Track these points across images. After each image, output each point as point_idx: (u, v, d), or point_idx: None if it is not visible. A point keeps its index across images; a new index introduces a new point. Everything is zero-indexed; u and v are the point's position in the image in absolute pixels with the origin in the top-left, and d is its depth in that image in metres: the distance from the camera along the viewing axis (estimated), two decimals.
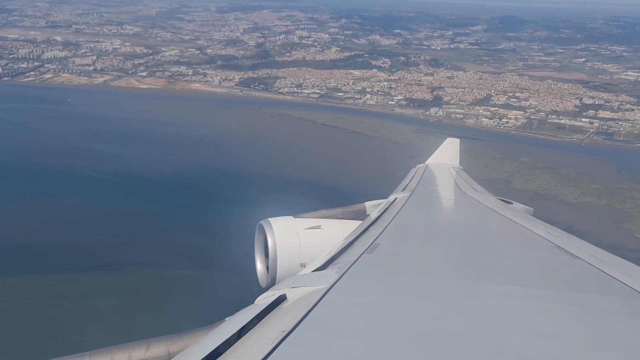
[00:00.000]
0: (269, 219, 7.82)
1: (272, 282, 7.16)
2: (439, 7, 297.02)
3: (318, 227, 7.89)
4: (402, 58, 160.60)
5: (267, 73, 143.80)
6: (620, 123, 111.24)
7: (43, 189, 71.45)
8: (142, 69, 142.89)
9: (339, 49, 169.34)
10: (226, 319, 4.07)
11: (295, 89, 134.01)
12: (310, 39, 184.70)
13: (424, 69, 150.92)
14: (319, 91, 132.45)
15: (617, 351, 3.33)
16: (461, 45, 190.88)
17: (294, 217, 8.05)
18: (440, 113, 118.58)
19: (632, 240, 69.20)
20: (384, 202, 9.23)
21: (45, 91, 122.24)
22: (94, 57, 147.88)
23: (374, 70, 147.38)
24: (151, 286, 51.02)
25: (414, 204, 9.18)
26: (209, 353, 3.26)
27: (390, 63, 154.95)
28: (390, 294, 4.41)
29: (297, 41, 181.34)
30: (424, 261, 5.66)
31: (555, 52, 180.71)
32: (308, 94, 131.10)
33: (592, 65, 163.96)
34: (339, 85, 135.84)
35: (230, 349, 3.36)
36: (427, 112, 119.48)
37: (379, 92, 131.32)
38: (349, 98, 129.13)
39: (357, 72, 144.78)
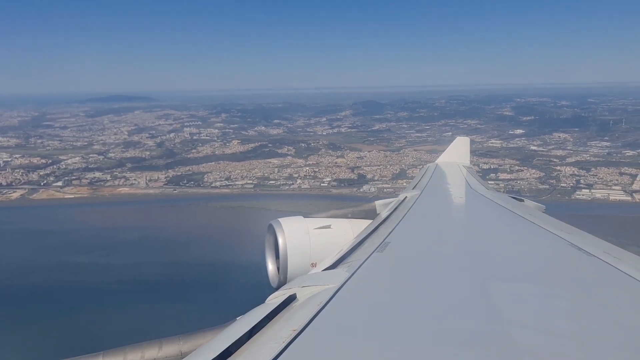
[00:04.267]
0: (279, 219, 7.85)
1: (283, 282, 7.17)
2: (299, 97, 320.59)
3: (328, 226, 7.94)
4: (303, 145, 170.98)
5: (189, 170, 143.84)
6: (519, 182, 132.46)
7: (57, 307, 65.71)
8: (52, 178, 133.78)
9: (240, 141, 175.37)
10: (237, 318, 4.12)
11: (226, 182, 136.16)
12: (202, 135, 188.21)
13: (329, 152, 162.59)
14: (251, 181, 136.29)
15: (631, 349, 3.37)
16: (342, 129, 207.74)
17: (304, 217, 8.12)
18: (373, 189, 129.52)
19: None
20: (394, 201, 9.29)
21: None
22: None
23: (289, 157, 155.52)
24: None
25: (424, 202, 9.31)
26: (221, 352, 3.30)
27: (294, 150, 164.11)
28: (401, 292, 4.43)
29: (190, 138, 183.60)
30: (435, 260, 5.64)
31: (423, 129, 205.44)
32: (242, 185, 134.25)
33: None
34: (266, 174, 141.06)
35: (242, 348, 3.42)
36: (361, 190, 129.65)
37: (307, 177, 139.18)
38: (282, 185, 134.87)
39: (275, 161, 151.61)
